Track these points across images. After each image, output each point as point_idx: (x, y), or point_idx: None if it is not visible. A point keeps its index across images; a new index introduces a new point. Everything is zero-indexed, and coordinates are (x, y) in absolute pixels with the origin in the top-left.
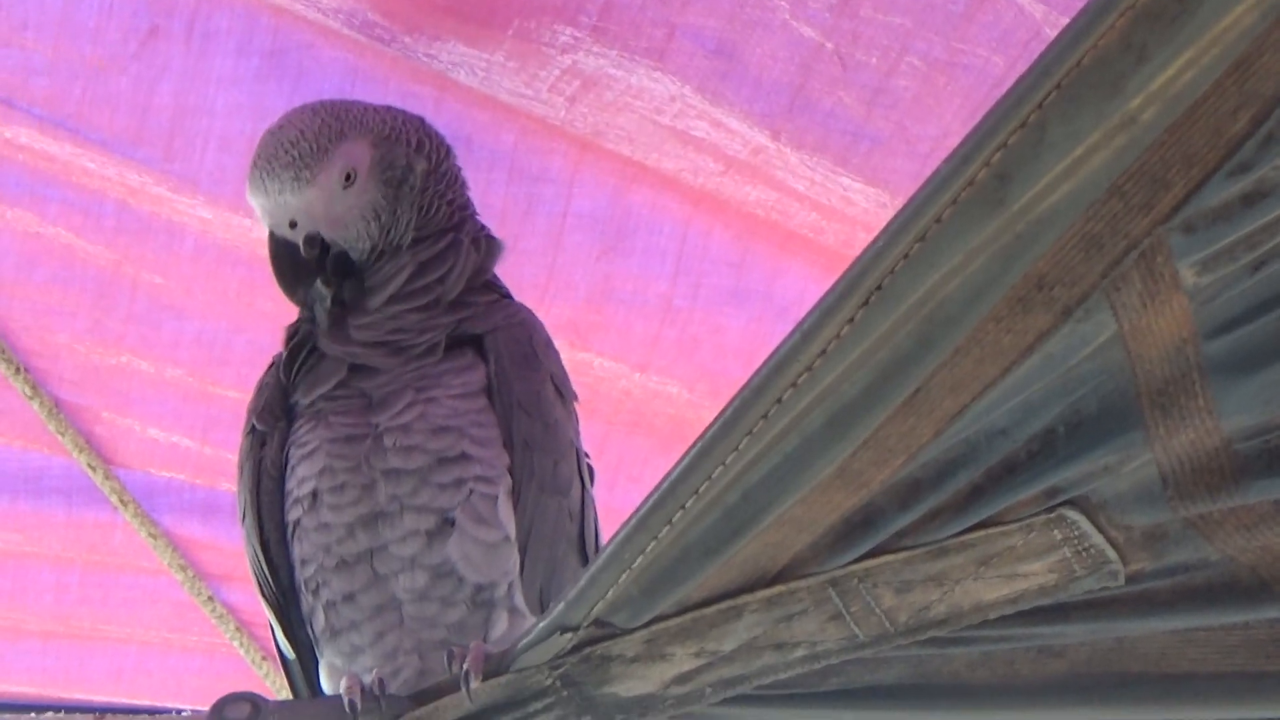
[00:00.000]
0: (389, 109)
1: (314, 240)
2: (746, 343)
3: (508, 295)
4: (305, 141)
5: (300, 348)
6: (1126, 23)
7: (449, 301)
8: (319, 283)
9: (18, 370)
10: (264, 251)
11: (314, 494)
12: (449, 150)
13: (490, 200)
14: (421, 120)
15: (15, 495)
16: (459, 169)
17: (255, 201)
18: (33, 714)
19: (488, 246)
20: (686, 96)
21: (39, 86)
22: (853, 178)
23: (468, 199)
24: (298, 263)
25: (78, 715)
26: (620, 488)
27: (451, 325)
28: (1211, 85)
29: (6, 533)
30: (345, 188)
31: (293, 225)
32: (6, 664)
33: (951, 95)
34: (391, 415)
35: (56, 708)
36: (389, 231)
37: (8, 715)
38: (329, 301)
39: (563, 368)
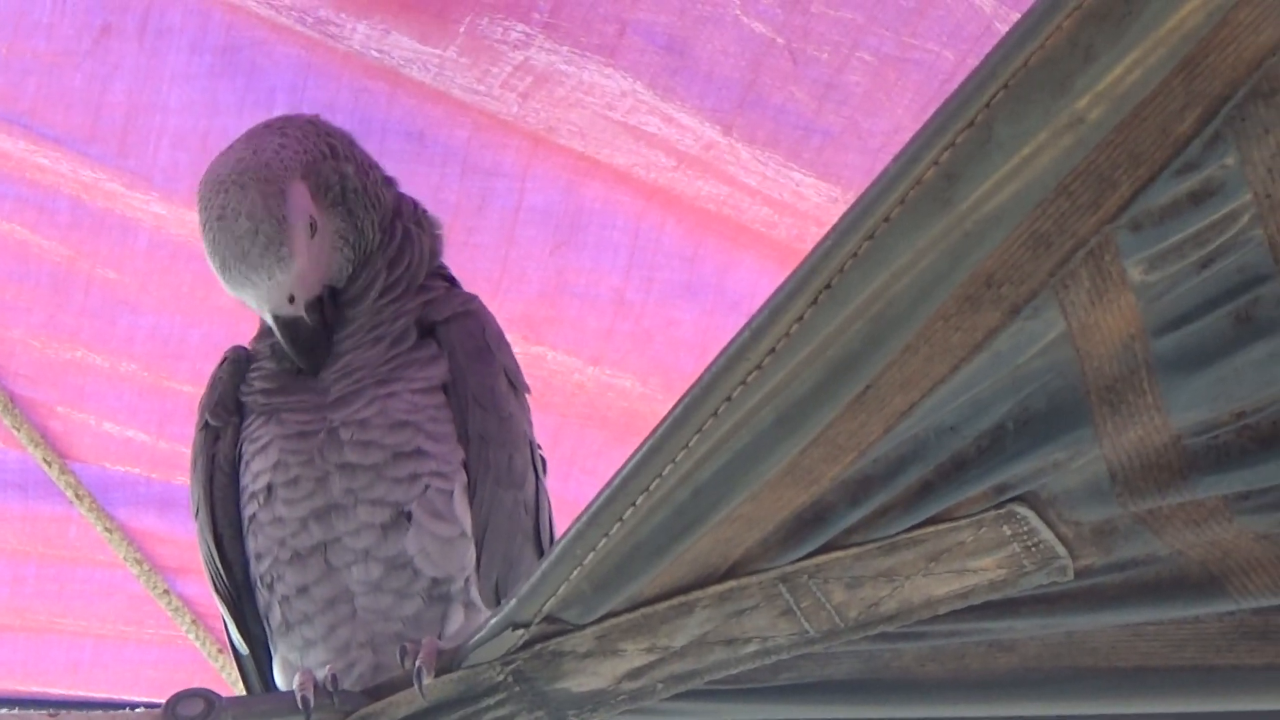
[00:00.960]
0: (285, 127)
1: (315, 304)
2: (699, 336)
3: (456, 283)
4: (264, 223)
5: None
6: (1074, 23)
7: (415, 284)
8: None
9: None
10: None
11: (268, 488)
12: (351, 137)
13: (444, 195)
14: (315, 121)
15: None
16: (366, 153)
17: (244, 295)
18: None
19: (430, 223)
20: (638, 92)
21: None
22: (804, 173)
23: (385, 173)
24: (313, 331)
25: (32, 711)
26: (574, 480)
27: (419, 309)
28: (1158, 85)
29: None
30: (313, 237)
31: (291, 300)
32: None
33: (903, 90)
34: (351, 412)
35: (12, 702)
36: (360, 245)
37: None
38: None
39: (514, 360)
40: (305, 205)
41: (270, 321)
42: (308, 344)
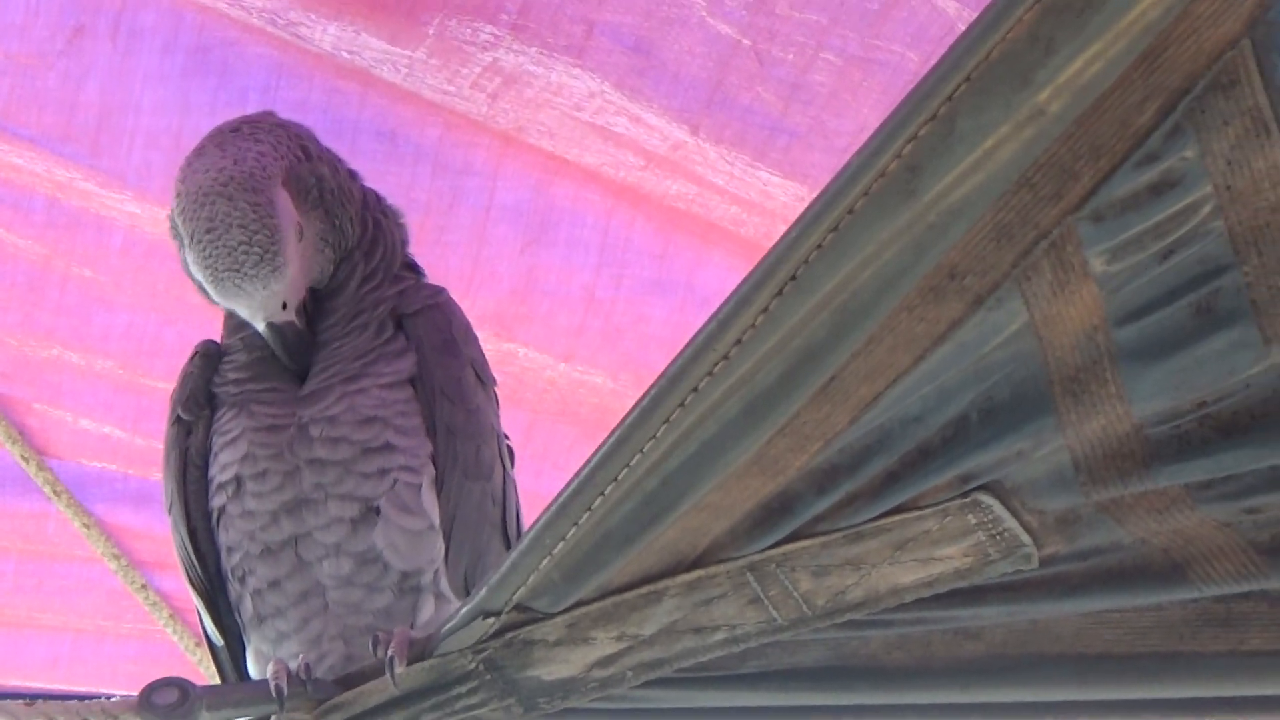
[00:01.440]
0: (257, 133)
1: (301, 308)
2: (669, 332)
3: (423, 273)
4: (258, 234)
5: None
6: (1034, 16)
7: (391, 276)
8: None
9: None
10: None
11: (236, 479)
12: (312, 133)
13: (415, 194)
14: (284, 123)
15: None
16: (329, 150)
17: (239, 305)
18: None
19: (394, 213)
20: (606, 93)
21: None
22: (771, 171)
23: (350, 171)
24: (300, 333)
25: (9, 702)
26: (545, 475)
27: (395, 298)
28: (1118, 78)
29: None
30: (299, 244)
31: (284, 307)
32: None
33: (867, 91)
34: (321, 408)
35: None
36: (339, 243)
37: None
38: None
39: (481, 352)
40: (291, 212)
41: (263, 329)
42: (296, 347)
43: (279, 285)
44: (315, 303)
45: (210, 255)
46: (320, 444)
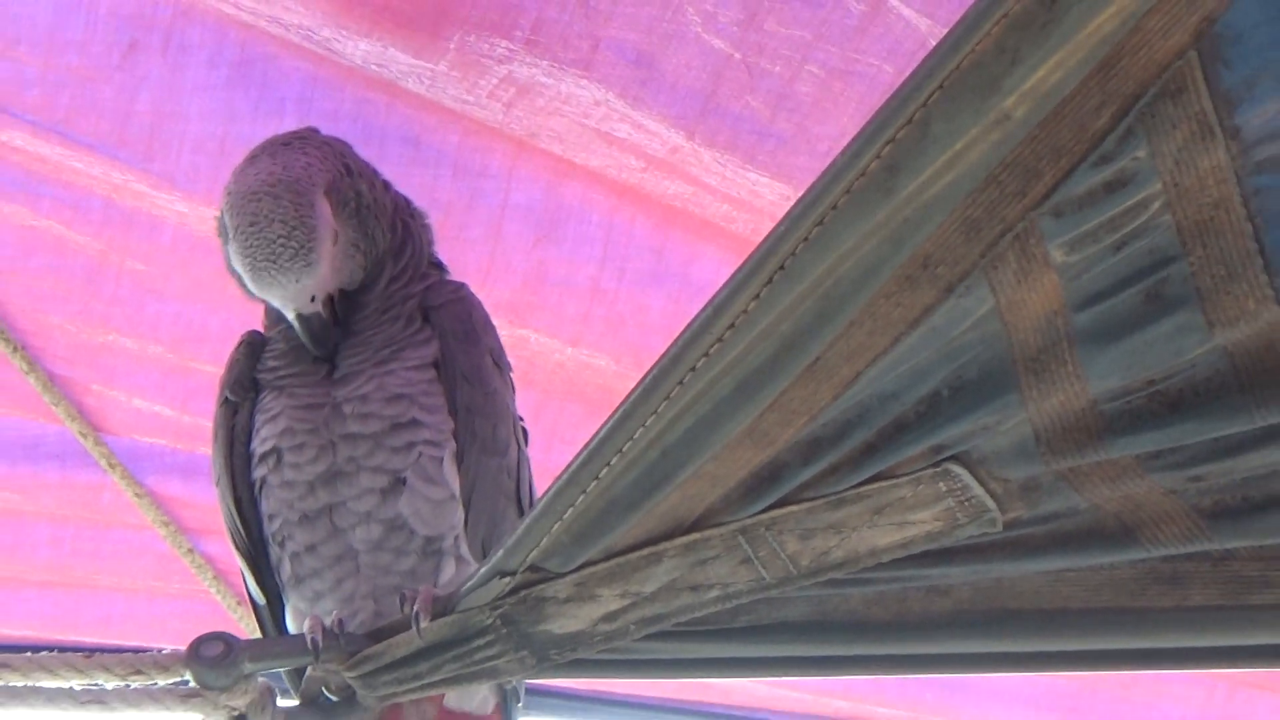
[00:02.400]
0: (310, 146)
1: (329, 300)
2: (667, 320)
3: (446, 270)
4: (296, 230)
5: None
6: (1001, 30)
7: (419, 274)
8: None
9: (15, 349)
10: None
11: (275, 451)
12: (350, 145)
13: (437, 195)
14: (330, 141)
15: (15, 460)
16: (365, 161)
17: (272, 295)
18: (29, 653)
19: (420, 215)
20: (610, 102)
21: (31, 95)
22: (760, 173)
23: (382, 176)
24: (326, 324)
25: (70, 654)
26: (555, 449)
27: (422, 294)
28: (1077, 85)
29: (7, 493)
30: (333, 248)
31: (312, 300)
32: (8, 610)
33: (847, 100)
34: (353, 389)
35: (52, 648)
36: (370, 251)
37: (7, 655)
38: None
39: (499, 342)
40: (329, 218)
41: (292, 318)
42: (322, 336)
43: (310, 280)
44: (348, 297)
45: (251, 247)
46: (353, 420)
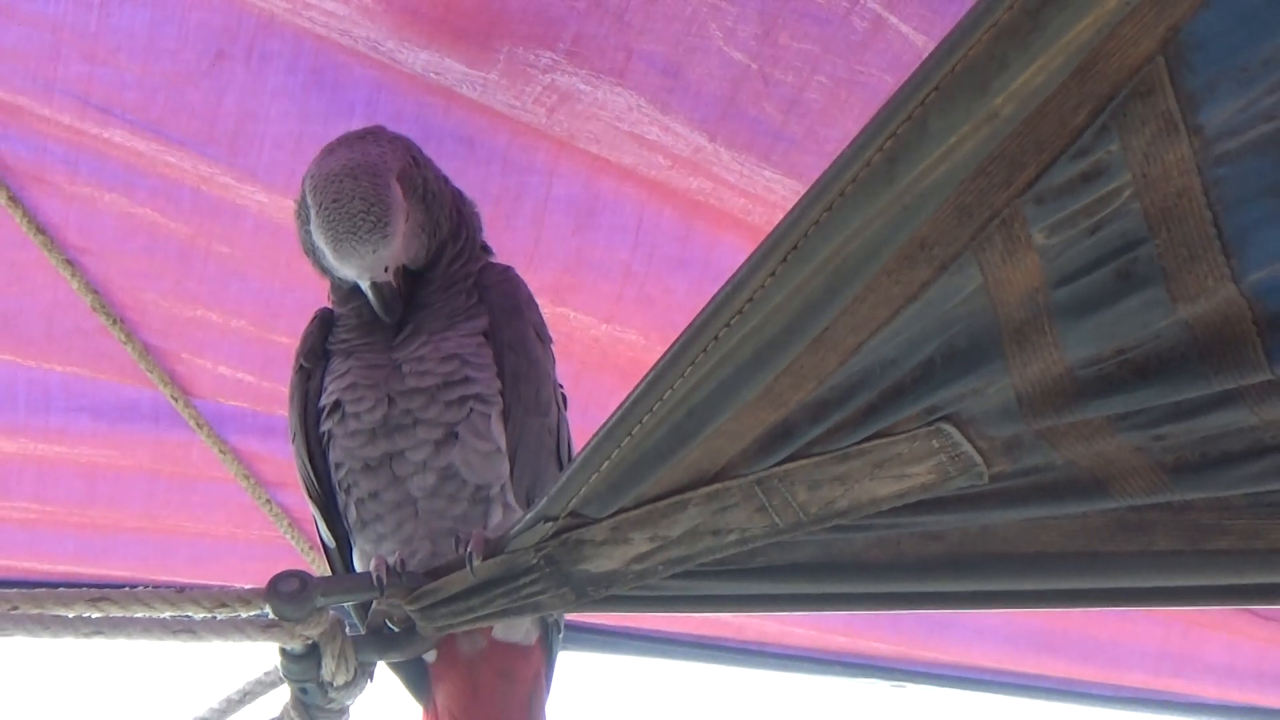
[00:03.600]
0: (383, 140)
1: (399, 271)
2: (690, 299)
3: (493, 254)
4: (374, 206)
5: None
6: (990, 37)
7: (473, 255)
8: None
9: (115, 321)
10: None
11: (338, 404)
12: (417, 145)
13: (488, 188)
14: (398, 136)
15: (114, 421)
16: (428, 157)
17: (350, 264)
18: (126, 588)
19: (471, 204)
20: (642, 107)
21: (130, 97)
22: (773, 171)
23: (443, 173)
24: (394, 294)
25: (164, 590)
26: (590, 413)
27: (477, 273)
28: (1058, 87)
29: (107, 450)
30: (405, 224)
31: (385, 270)
32: (110, 552)
33: (852, 106)
34: (410, 351)
35: (141, 584)
36: (434, 233)
37: (109, 589)
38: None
39: (541, 317)
40: (401, 199)
41: (366, 287)
42: (392, 303)
43: (385, 251)
44: (414, 275)
45: (334, 221)
46: (410, 376)
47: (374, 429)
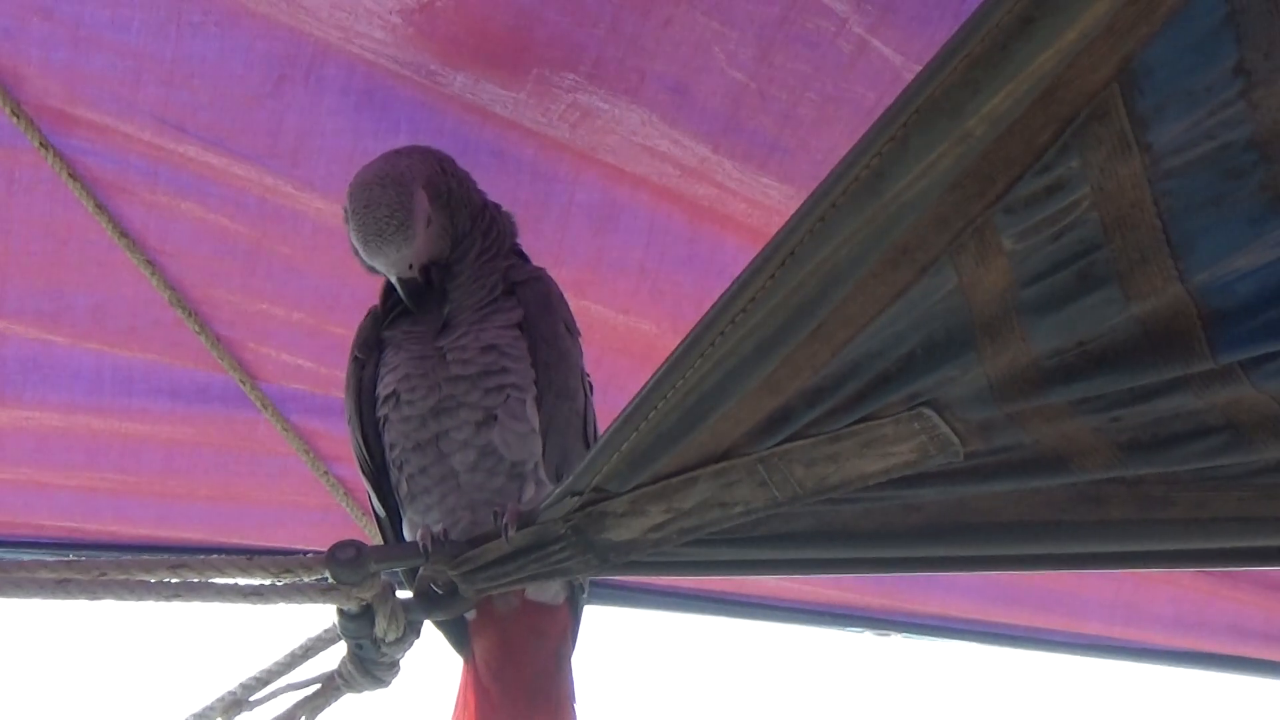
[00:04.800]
0: (414, 154)
1: (425, 269)
2: (697, 293)
3: (527, 258)
4: (398, 213)
5: (390, 313)
6: (965, 65)
7: (503, 255)
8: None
9: (189, 314)
10: None
11: (395, 393)
12: (452, 159)
13: (518, 196)
14: (431, 149)
15: (190, 402)
16: (463, 169)
17: (379, 262)
18: (201, 555)
19: (506, 215)
20: (653, 122)
21: (203, 117)
22: (770, 178)
23: (476, 185)
24: (421, 287)
25: (234, 556)
26: (609, 394)
27: (505, 270)
28: (1025, 110)
29: (183, 428)
30: (427, 228)
31: (410, 267)
32: (185, 518)
33: (839, 120)
34: (453, 340)
35: (218, 550)
36: (456, 234)
37: (186, 556)
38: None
39: (570, 313)
40: (424, 206)
41: (395, 281)
42: (418, 295)
43: (407, 251)
44: (446, 269)
45: (364, 225)
46: (454, 364)
47: (425, 415)
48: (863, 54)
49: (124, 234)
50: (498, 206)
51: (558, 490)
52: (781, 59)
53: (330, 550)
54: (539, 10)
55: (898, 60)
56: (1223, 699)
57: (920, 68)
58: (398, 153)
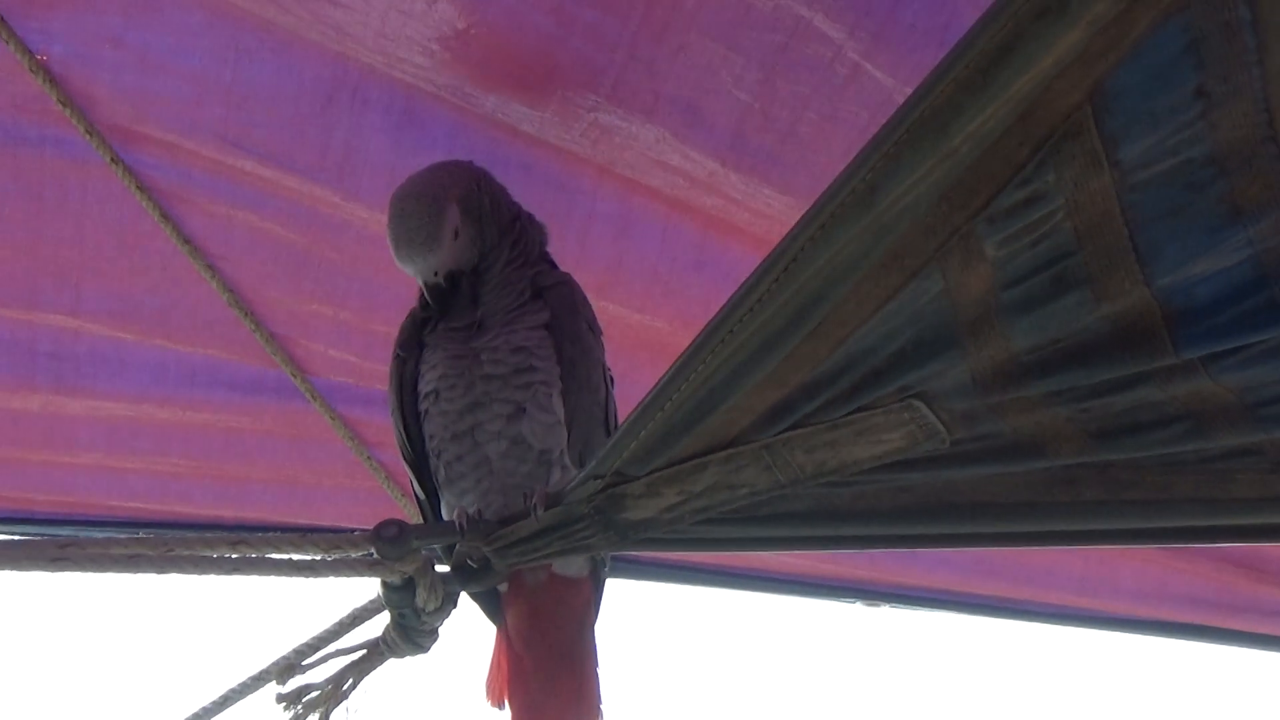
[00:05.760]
0: (451, 169)
1: (450, 276)
2: (707, 295)
3: (555, 265)
4: (427, 224)
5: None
6: (950, 90)
7: (531, 262)
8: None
9: (246, 314)
10: None
11: (435, 390)
12: (489, 174)
13: (544, 207)
14: (469, 165)
15: (246, 393)
16: (500, 183)
17: (407, 267)
18: (258, 532)
19: (538, 225)
20: (667, 139)
21: (258, 135)
22: (772, 190)
23: (510, 198)
24: (445, 292)
25: (289, 533)
26: (626, 384)
27: (533, 276)
28: (1005, 130)
29: (241, 416)
30: (455, 239)
31: (435, 274)
32: (242, 498)
33: (835, 137)
34: (486, 341)
35: (273, 528)
36: (484, 244)
37: (245, 533)
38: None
39: (593, 314)
40: (453, 218)
41: (421, 284)
42: (443, 299)
43: (433, 259)
44: (478, 275)
45: (396, 231)
46: (488, 364)
47: (461, 409)
48: (857, 77)
49: (186, 241)
50: (530, 217)
51: (582, 474)
52: (783, 82)
53: (375, 528)
54: (563, 38)
55: (889, 83)
56: (1180, 663)
57: (909, 89)
58: (439, 166)
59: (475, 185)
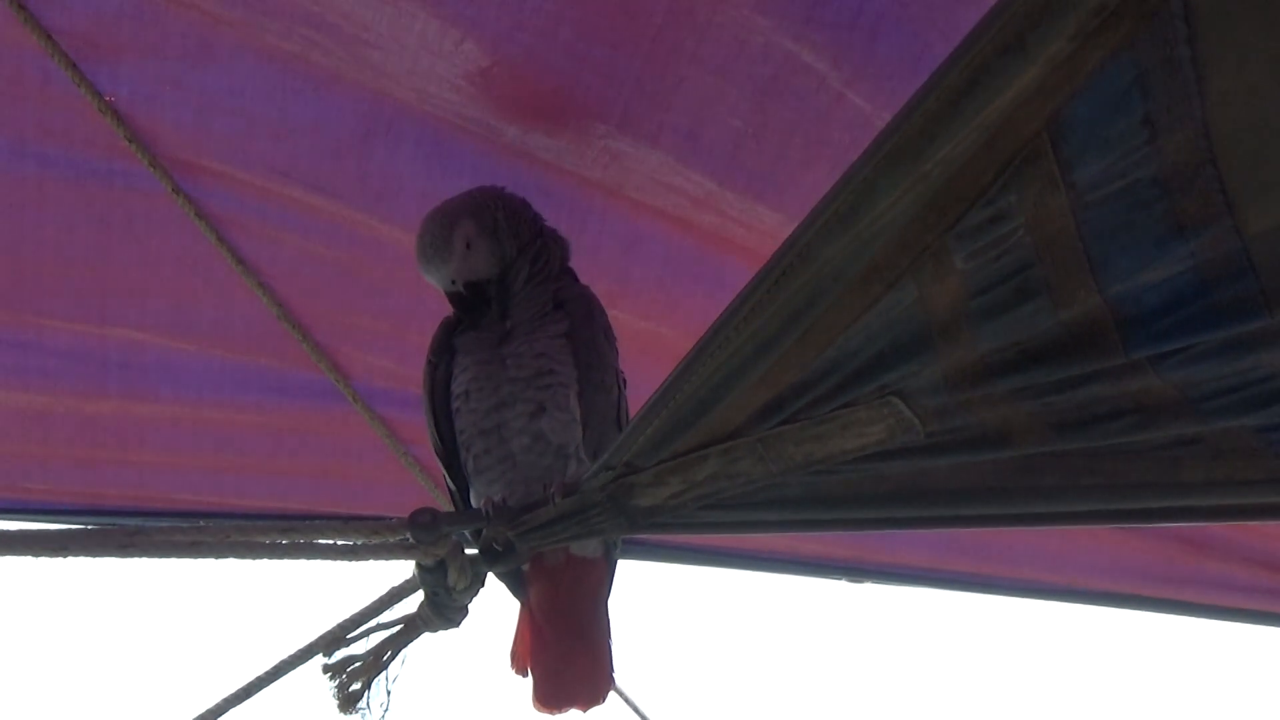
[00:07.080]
0: (474, 192)
1: (469, 286)
2: (706, 304)
3: (577, 277)
4: (436, 240)
5: (458, 324)
6: (922, 119)
7: (553, 277)
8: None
9: (294, 326)
10: None
11: (466, 392)
12: (511, 196)
13: (560, 225)
14: (498, 189)
15: (295, 397)
16: (524, 201)
17: (428, 276)
18: (306, 521)
19: (562, 241)
20: (670, 163)
21: (302, 164)
22: (765, 207)
23: (536, 214)
24: (466, 300)
25: (333, 521)
26: (633, 389)
27: (554, 290)
28: (971, 155)
29: (289, 419)
30: (468, 251)
31: (453, 283)
32: (290, 492)
33: (820, 159)
34: (511, 348)
35: (319, 517)
36: (502, 258)
37: (293, 521)
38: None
39: (608, 321)
40: (467, 232)
41: (444, 293)
42: (467, 307)
43: (446, 269)
44: (505, 288)
45: (418, 247)
46: (512, 368)
47: (489, 409)
48: (840, 104)
49: (240, 261)
50: (554, 234)
51: (595, 466)
52: (773, 109)
53: (410, 516)
54: (578, 74)
55: (869, 109)
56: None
57: (888, 115)
58: (468, 192)
59: (490, 204)
